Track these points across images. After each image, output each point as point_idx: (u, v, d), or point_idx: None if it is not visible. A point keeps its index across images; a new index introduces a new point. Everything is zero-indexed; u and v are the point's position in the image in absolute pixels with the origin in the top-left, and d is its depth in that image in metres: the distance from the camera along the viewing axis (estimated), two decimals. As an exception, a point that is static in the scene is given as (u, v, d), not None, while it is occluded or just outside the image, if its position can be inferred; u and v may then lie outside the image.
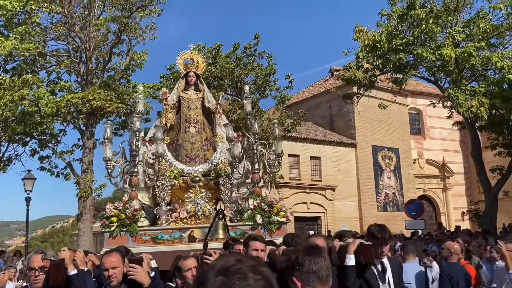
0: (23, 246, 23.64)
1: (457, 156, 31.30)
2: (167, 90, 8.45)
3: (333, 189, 25.26)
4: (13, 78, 16.17)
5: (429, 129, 31.12)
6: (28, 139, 18.03)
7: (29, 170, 17.17)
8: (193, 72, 8.10)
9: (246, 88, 8.66)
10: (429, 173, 30.14)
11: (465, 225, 25.11)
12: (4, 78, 15.61)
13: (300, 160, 24.61)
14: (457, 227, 18.73)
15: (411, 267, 5.30)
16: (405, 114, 29.33)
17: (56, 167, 18.79)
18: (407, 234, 17.32)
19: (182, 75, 8.32)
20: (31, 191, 16.54)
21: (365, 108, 23.06)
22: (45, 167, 18.72)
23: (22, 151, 18.35)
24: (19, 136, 17.43)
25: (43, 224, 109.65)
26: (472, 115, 13.39)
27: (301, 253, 2.43)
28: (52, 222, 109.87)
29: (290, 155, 23.95)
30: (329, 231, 21.69)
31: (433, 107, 16.74)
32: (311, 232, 24.03)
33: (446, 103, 15.79)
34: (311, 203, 24.52)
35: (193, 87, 8.12)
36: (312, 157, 25.12)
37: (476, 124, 15.93)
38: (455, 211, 29.89)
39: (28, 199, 16.58)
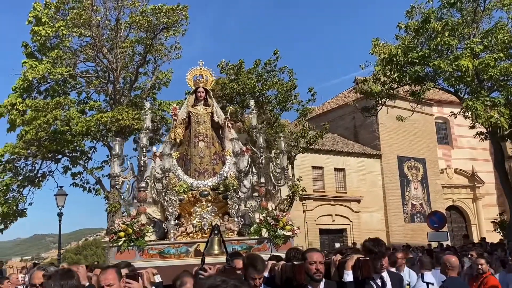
0: (57, 259, 24.47)
1: (487, 165, 30.43)
2: (177, 106, 8.69)
3: (359, 201, 25.16)
4: (47, 101, 17.06)
5: (457, 138, 30.55)
6: (60, 156, 18.93)
7: (61, 187, 17.92)
8: (202, 87, 8.28)
9: (251, 102, 8.85)
10: (458, 183, 29.60)
11: (497, 236, 24.42)
12: (39, 102, 16.54)
13: (324, 172, 24.64)
14: (482, 239, 18.38)
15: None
16: (431, 124, 29.00)
17: (87, 182, 19.72)
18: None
19: (191, 90, 8.52)
20: (63, 206, 17.23)
21: (390, 119, 22.97)
22: (77, 183, 19.62)
23: (55, 168, 19.33)
24: (52, 153, 18.32)
25: (77, 236, 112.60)
26: (491, 126, 13.31)
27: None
28: (86, 234, 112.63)
29: (313, 167, 24.10)
30: (354, 243, 21.58)
31: (455, 117, 16.64)
32: (337, 245, 23.98)
33: (467, 113, 15.73)
34: (336, 215, 24.47)
35: (202, 102, 8.29)
36: (336, 169, 25.14)
37: (498, 134, 15.75)
38: (486, 221, 29.06)
39: (60, 214, 17.30)
